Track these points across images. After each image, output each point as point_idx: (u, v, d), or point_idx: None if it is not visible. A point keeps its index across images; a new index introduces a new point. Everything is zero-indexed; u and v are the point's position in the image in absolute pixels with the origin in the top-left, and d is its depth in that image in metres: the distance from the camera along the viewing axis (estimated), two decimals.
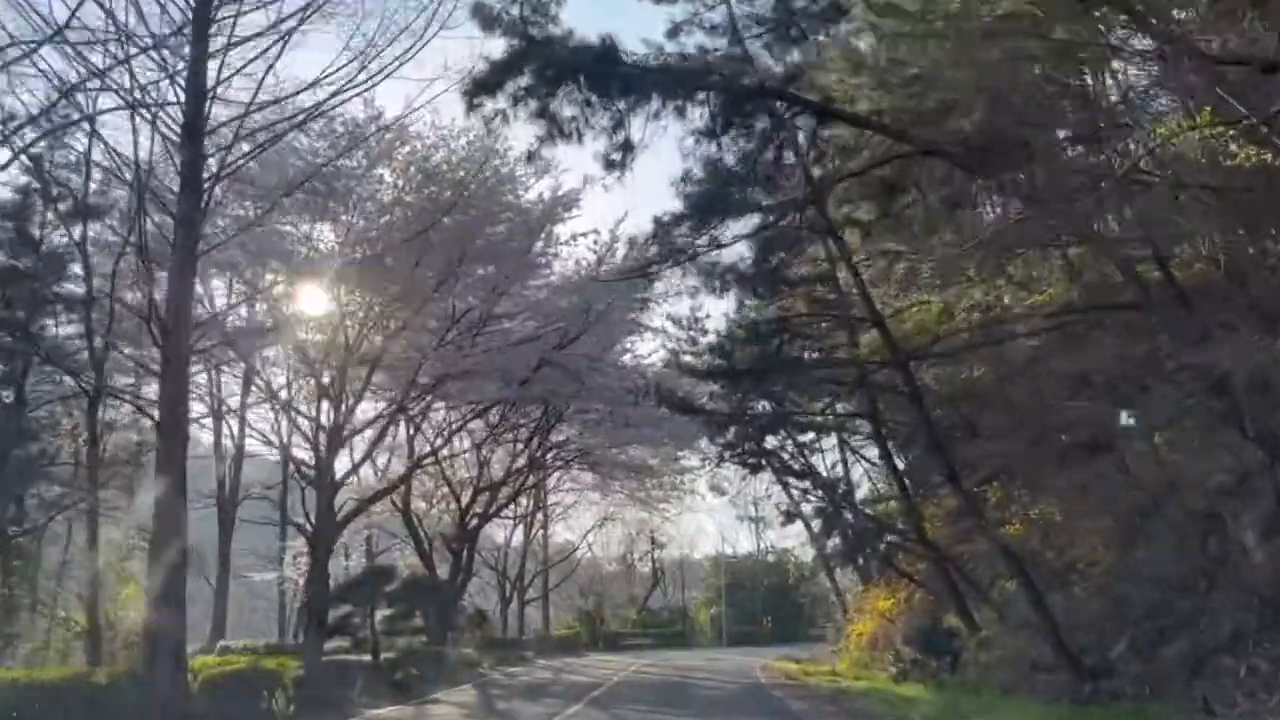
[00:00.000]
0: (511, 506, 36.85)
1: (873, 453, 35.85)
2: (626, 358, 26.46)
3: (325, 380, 22.21)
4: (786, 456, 31.73)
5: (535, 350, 22.90)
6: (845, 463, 39.83)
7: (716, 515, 66.36)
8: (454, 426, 26.77)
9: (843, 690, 19.47)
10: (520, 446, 30.26)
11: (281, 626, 34.80)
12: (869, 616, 30.73)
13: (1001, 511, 18.90)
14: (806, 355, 23.02)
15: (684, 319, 26.94)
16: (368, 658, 24.10)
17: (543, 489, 40.28)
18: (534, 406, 27.49)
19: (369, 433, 24.73)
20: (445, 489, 30.49)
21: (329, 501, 21.96)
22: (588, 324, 22.34)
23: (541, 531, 44.59)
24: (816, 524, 44.77)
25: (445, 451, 31.17)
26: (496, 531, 42.41)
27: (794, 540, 62.49)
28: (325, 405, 22.14)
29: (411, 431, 27.11)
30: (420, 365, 22.11)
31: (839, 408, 25.64)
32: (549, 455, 31.10)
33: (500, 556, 41.65)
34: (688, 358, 23.48)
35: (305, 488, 24.30)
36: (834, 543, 45.72)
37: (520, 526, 41.86)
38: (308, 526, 21.68)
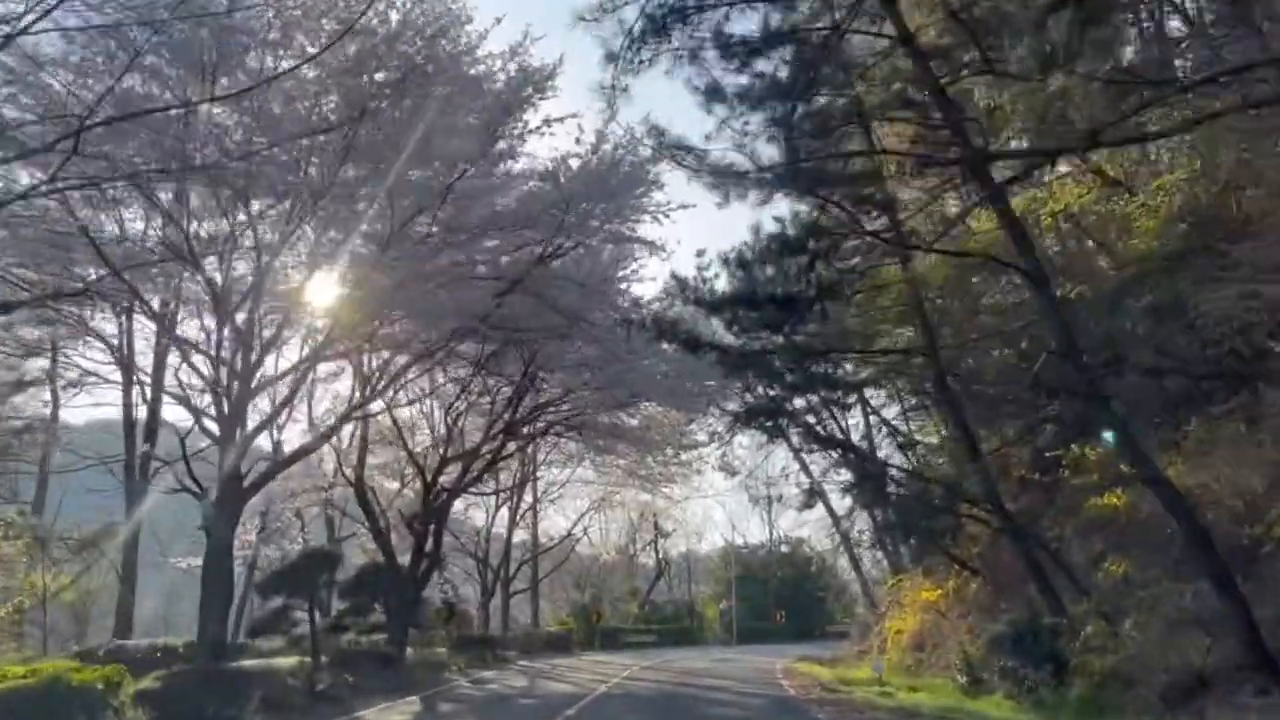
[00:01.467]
0: (491, 482, 31.98)
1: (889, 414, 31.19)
2: (622, 287, 21.38)
3: (239, 320, 17.46)
4: (811, 420, 26.74)
5: (501, 271, 18.00)
6: (870, 429, 35.18)
7: (726, 501, 61.46)
8: (403, 375, 21.78)
9: (907, 710, 14.50)
10: (497, 408, 25.29)
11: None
12: (910, 610, 25.76)
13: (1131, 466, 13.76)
14: (846, 277, 18.02)
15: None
16: (295, 661, 19.24)
17: (529, 462, 35.38)
18: (512, 364, 22.58)
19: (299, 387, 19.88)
20: (404, 455, 25.57)
21: (235, 466, 17.14)
22: (567, 230, 17.36)
23: (530, 515, 39.71)
24: (843, 504, 40.19)
25: (407, 411, 26.33)
26: (477, 514, 37.61)
27: (810, 528, 57.75)
28: (240, 350, 17.36)
29: (364, 390, 22.18)
30: (349, 296, 17.26)
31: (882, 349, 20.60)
32: (532, 421, 26.08)
33: (479, 542, 36.74)
34: (699, 284, 18.38)
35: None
36: (864, 524, 41.18)
37: (505, 508, 37.04)
38: (206, 494, 16.78)
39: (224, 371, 17.65)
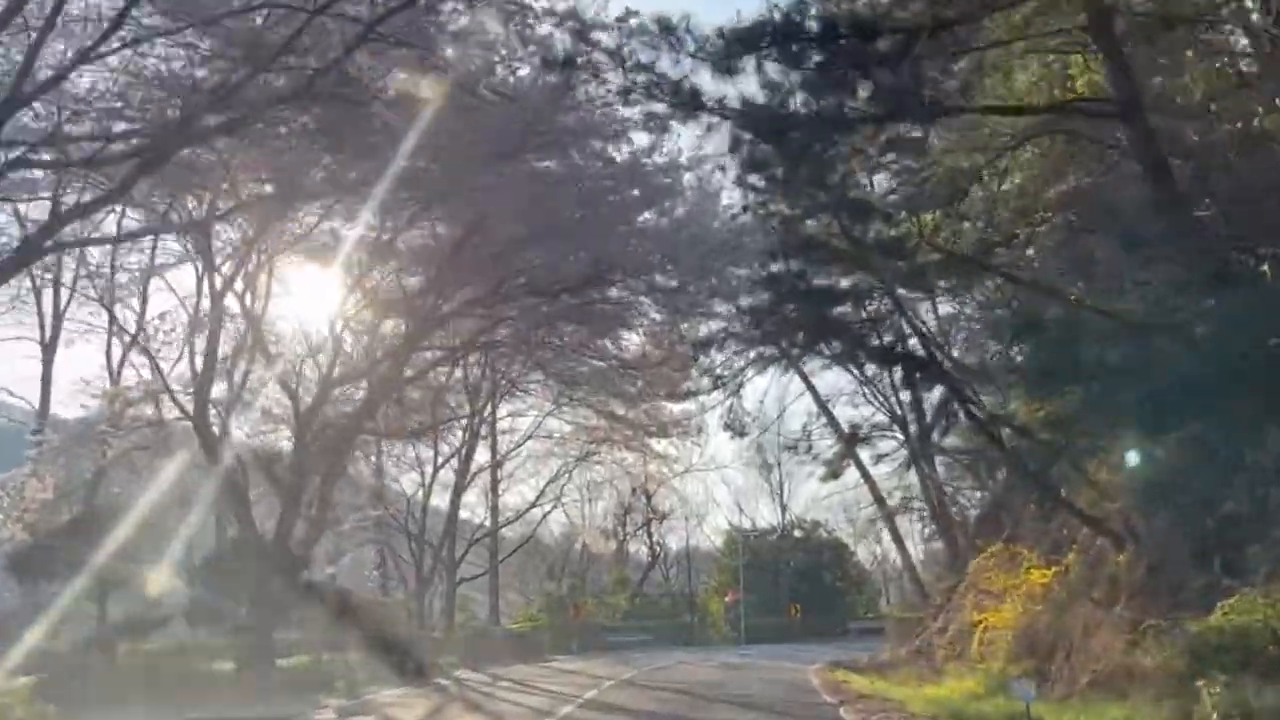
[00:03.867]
0: (429, 445, 24.09)
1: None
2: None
3: None
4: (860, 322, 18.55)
5: None
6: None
7: (732, 478, 52.86)
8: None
9: None
10: (415, 300, 17.25)
11: None
12: (1010, 599, 17.65)
13: None
14: None
15: None
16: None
17: (480, 407, 27.47)
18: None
19: None
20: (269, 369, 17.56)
21: None
22: None
23: (488, 483, 31.56)
24: (879, 470, 32.23)
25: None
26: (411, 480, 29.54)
27: (829, 509, 49.71)
28: None
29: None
30: None
31: None
32: (467, 313, 17.98)
33: (409, 513, 28.68)
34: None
35: None
36: (912, 488, 33.18)
37: (450, 467, 28.98)
38: None
39: None
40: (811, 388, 32.56)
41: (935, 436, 21.37)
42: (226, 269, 16.77)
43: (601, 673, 23.43)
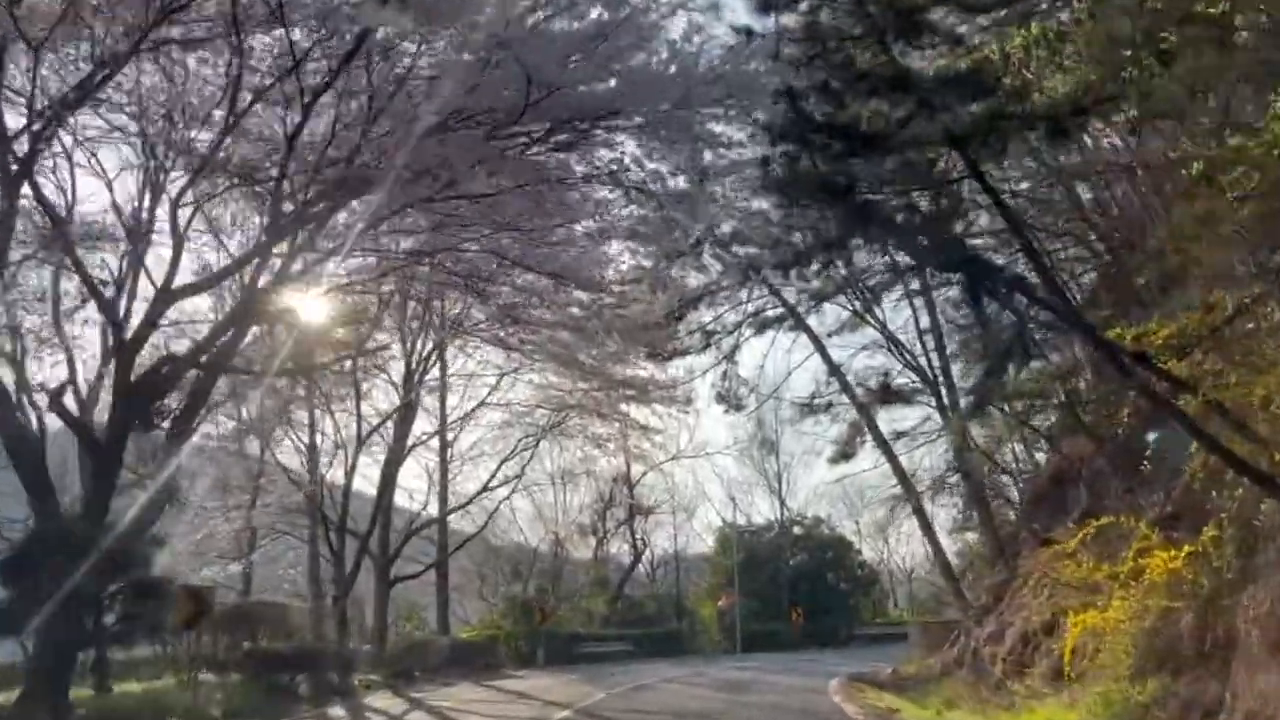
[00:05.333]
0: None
1: None
2: None
3: None
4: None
5: None
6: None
7: (724, 470, 47.61)
8: None
9: None
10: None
11: None
12: (1121, 596, 12.55)
13: None
14: None
15: None
16: None
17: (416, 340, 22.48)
18: None
19: None
20: None
21: None
22: None
23: (433, 458, 26.38)
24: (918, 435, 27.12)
25: None
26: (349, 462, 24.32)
27: (830, 504, 44.83)
28: None
29: None
30: None
31: None
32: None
33: (321, 493, 23.47)
34: None
35: None
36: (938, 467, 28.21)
37: (382, 437, 23.86)
38: None
39: None
40: (821, 347, 27.54)
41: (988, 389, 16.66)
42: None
43: (559, 695, 18.26)
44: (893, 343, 26.41)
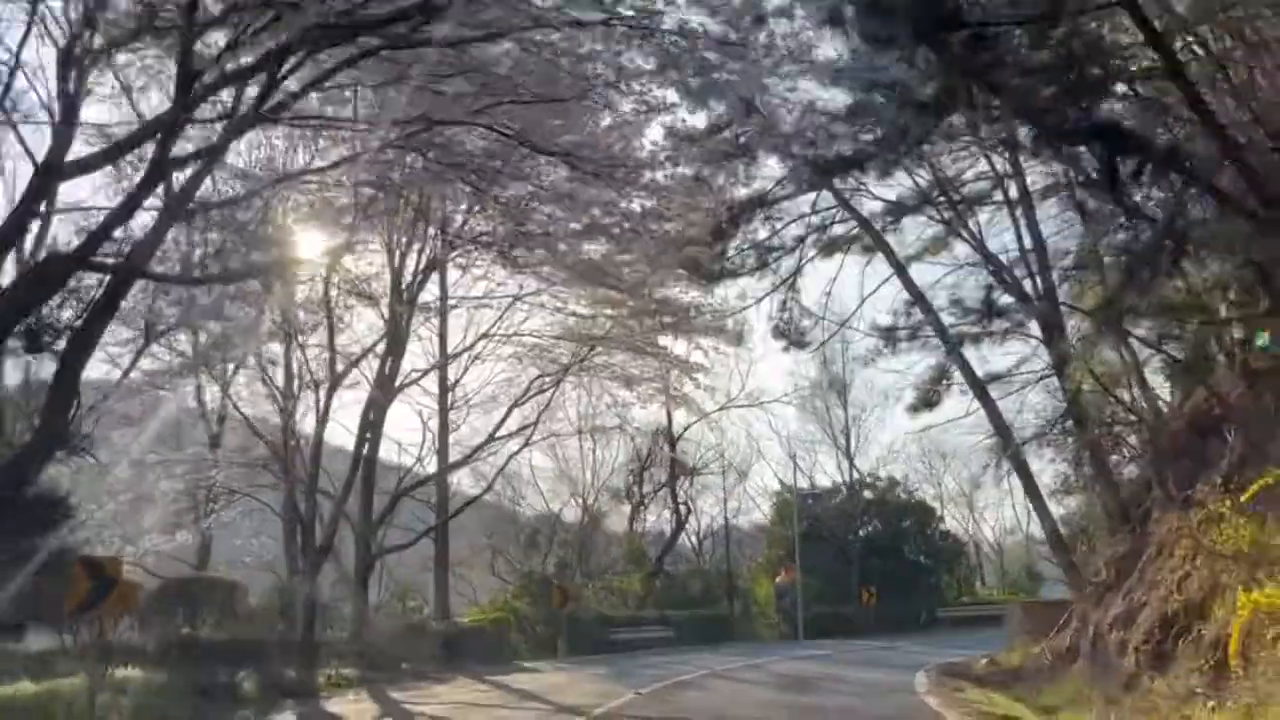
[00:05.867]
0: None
1: None
2: None
3: None
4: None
5: None
6: None
7: (783, 424, 40.58)
8: None
9: None
10: None
11: None
12: None
13: None
14: None
15: None
16: None
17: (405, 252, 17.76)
18: None
19: None
20: None
21: None
22: None
23: (433, 405, 21.30)
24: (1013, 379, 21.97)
25: None
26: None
27: (905, 464, 39.21)
28: None
29: None
30: None
31: None
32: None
33: (288, 442, 18.57)
34: None
35: None
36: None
37: (364, 375, 18.96)
38: None
39: None
40: (901, 267, 22.08)
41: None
42: None
43: (576, 696, 13.81)
44: (990, 262, 20.84)
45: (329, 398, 18.44)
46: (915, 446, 38.55)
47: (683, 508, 31.67)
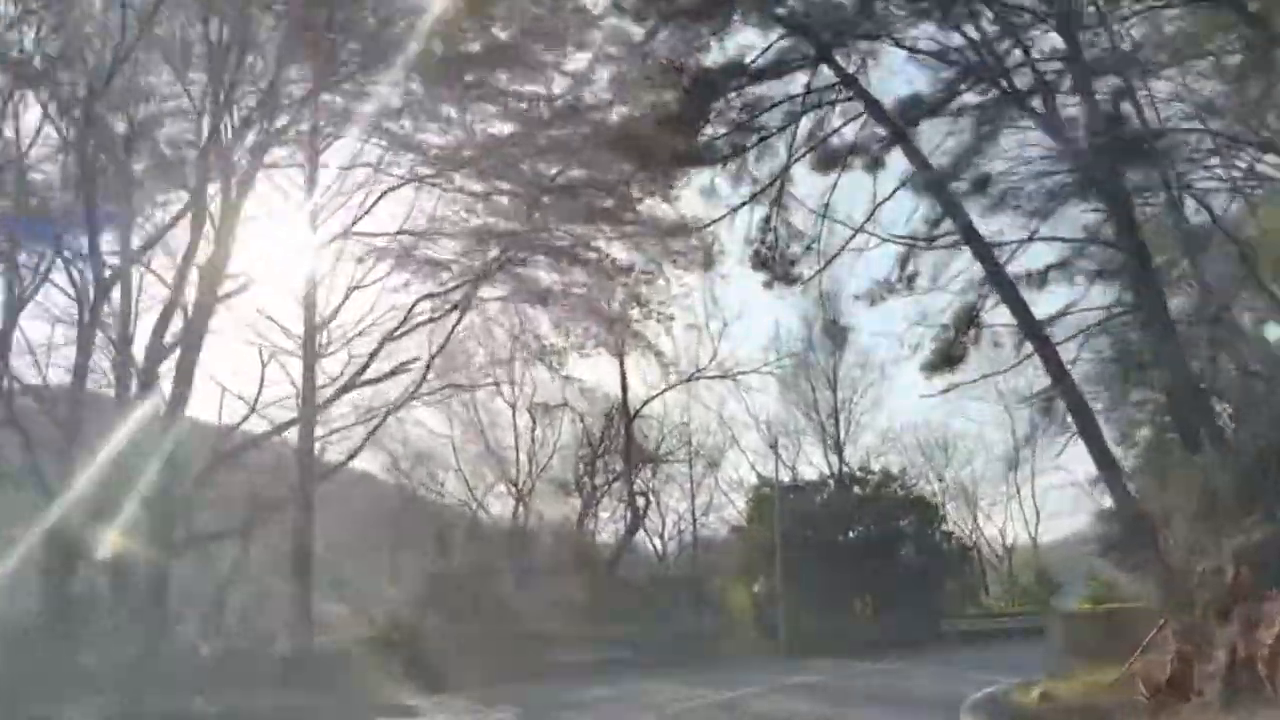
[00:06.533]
0: None
1: None
2: None
3: None
4: None
5: None
6: None
7: (761, 407, 33.99)
8: None
9: None
10: None
11: None
12: None
13: None
14: None
15: None
16: None
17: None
18: None
19: None
20: None
21: None
22: None
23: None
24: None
25: None
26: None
27: (901, 452, 34.17)
28: None
29: None
30: None
31: None
32: None
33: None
34: None
35: None
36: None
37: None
38: None
39: None
40: (924, 162, 16.86)
41: None
42: None
43: None
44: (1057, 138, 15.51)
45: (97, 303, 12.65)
46: (912, 437, 34.84)
47: (640, 499, 26.01)
